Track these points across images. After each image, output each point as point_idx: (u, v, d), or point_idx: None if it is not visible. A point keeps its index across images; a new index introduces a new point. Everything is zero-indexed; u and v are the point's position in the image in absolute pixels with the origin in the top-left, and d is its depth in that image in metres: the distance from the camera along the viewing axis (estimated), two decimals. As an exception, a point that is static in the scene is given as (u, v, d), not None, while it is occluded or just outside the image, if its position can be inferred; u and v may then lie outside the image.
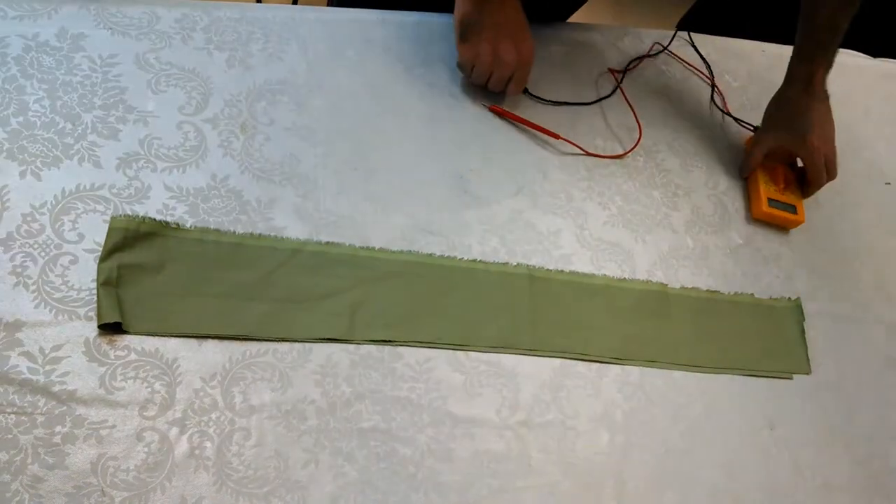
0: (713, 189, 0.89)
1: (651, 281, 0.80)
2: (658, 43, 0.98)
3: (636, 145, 0.88)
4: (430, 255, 0.74)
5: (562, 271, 0.77)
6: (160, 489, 0.59)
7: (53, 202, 0.66)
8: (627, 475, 0.70)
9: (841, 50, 1.06)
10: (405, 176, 0.78)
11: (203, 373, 0.63)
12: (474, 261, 0.75)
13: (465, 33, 0.81)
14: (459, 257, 0.75)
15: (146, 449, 0.60)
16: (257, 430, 0.63)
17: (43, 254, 0.64)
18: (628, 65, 0.94)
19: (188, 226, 0.69)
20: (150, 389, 0.62)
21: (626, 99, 0.91)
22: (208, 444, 0.61)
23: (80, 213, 0.66)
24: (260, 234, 0.70)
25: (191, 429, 0.61)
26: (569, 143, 0.85)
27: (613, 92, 0.92)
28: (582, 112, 0.89)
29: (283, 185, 0.73)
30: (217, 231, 0.69)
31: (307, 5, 0.87)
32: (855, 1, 0.82)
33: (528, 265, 0.76)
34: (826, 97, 0.88)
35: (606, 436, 0.71)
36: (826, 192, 0.93)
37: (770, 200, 0.88)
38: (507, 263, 0.76)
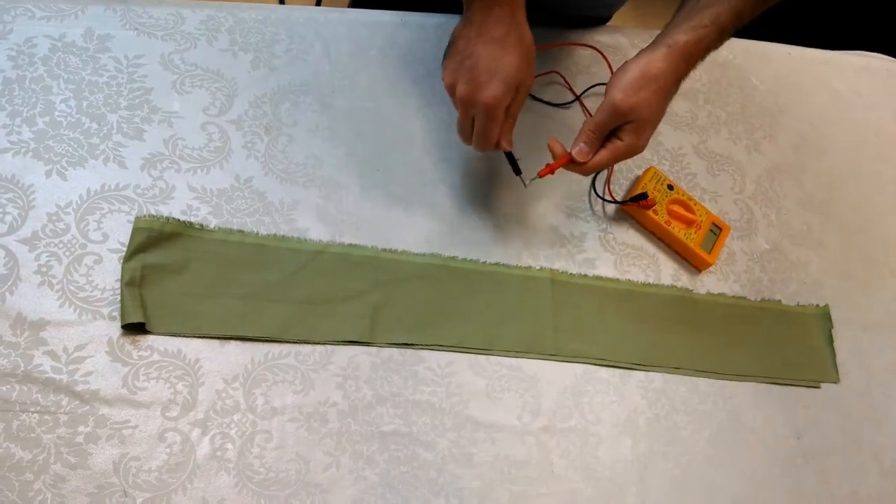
0: (739, 194, 0.88)
1: (676, 286, 0.79)
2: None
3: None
4: (453, 257, 0.74)
5: (585, 276, 0.77)
6: (182, 490, 0.59)
7: (79, 202, 0.67)
8: (650, 483, 0.69)
9: (869, 53, 1.05)
10: (427, 178, 0.78)
11: (225, 374, 0.63)
12: (497, 264, 0.75)
13: (446, 52, 0.67)
14: (482, 260, 0.74)
15: (168, 450, 0.60)
16: (279, 433, 0.63)
17: (68, 253, 0.64)
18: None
19: (212, 226, 0.69)
20: (172, 390, 0.62)
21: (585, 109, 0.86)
22: (230, 446, 0.61)
23: (105, 213, 0.67)
24: (283, 236, 0.70)
25: (213, 430, 0.61)
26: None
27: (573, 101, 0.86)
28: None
29: (307, 187, 0.73)
30: (240, 232, 0.69)
31: (330, 7, 0.87)
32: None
33: (550, 269, 0.76)
34: (672, 55, 0.64)
35: (629, 443, 0.70)
36: (856, 196, 0.92)
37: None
38: (529, 267, 0.75)
